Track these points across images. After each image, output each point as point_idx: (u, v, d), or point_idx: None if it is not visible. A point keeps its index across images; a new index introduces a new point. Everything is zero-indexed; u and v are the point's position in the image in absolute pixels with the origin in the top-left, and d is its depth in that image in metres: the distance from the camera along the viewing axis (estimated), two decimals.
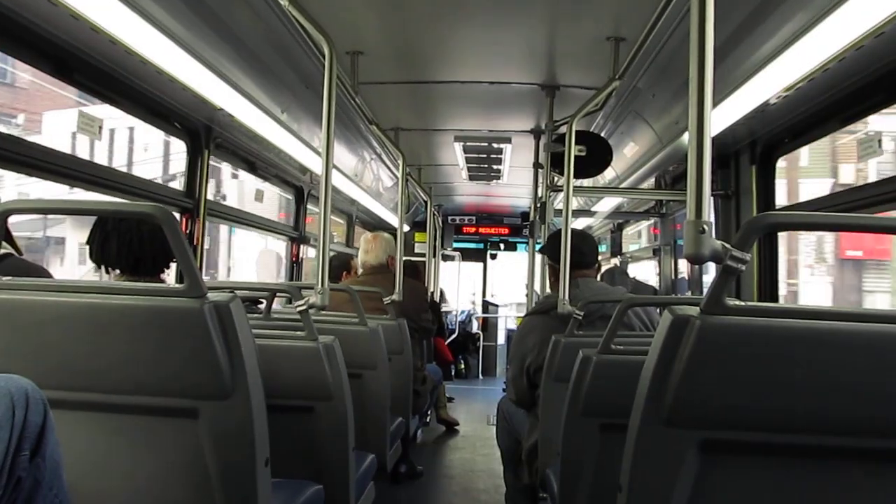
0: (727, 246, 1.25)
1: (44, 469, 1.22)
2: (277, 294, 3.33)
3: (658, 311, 3.10)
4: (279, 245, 6.54)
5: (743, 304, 1.31)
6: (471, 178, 7.05)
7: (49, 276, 2.26)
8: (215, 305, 1.46)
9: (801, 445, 1.35)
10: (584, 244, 3.30)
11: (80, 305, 1.48)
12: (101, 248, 2.13)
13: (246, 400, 1.49)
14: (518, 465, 3.32)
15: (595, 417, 2.30)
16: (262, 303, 3.34)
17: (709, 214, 1.29)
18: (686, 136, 1.31)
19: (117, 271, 2.15)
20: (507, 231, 10.65)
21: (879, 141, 2.65)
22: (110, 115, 2.98)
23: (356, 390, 3.18)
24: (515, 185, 7.62)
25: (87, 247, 2.19)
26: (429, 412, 6.27)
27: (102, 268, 2.17)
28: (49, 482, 1.23)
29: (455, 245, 10.52)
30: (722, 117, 3.07)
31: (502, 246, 10.86)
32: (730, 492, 1.38)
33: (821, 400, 1.30)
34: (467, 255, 10.82)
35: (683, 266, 5.55)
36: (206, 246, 3.79)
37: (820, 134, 3.17)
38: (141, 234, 2.12)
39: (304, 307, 2.22)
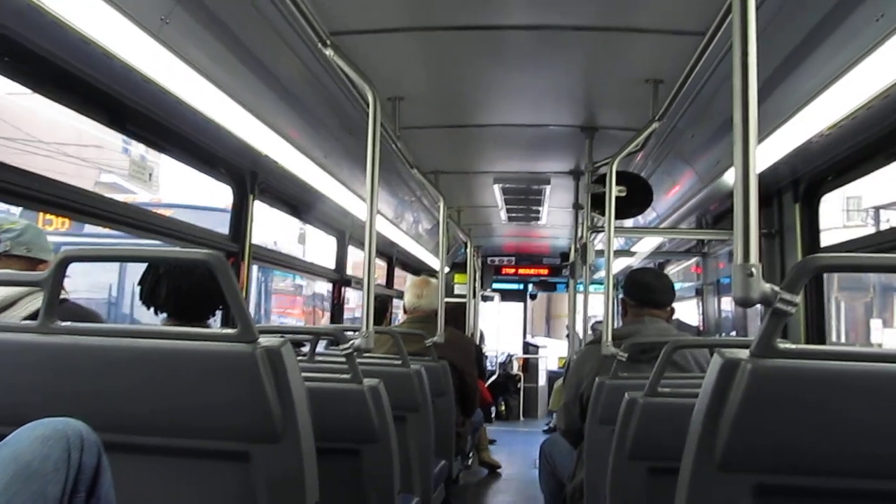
0: (776, 289, 1.23)
1: None
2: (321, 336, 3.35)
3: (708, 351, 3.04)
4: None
5: (794, 346, 1.29)
6: (510, 219, 7.06)
7: (102, 321, 2.31)
8: (267, 350, 1.48)
9: (857, 490, 1.32)
10: (658, 283, 3.15)
11: (134, 349, 1.51)
12: (152, 292, 2.19)
13: (297, 443, 1.51)
14: None
15: (643, 461, 2.26)
16: (304, 345, 3.37)
17: (757, 257, 1.28)
18: (727, 176, 1.31)
19: (164, 315, 2.21)
20: (546, 271, 10.59)
21: None
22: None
23: (400, 433, 3.18)
24: (554, 226, 7.60)
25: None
26: (470, 454, 6.20)
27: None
28: None
29: (494, 286, 10.50)
30: (764, 156, 3.03)
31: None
32: None
33: (876, 444, 1.27)
34: (506, 296, 10.79)
35: (726, 305, 5.47)
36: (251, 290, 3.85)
37: (865, 171, 3.12)
38: (190, 281, 2.17)
39: (349, 350, 2.24)
